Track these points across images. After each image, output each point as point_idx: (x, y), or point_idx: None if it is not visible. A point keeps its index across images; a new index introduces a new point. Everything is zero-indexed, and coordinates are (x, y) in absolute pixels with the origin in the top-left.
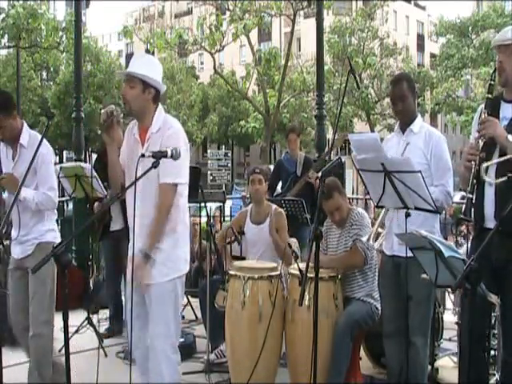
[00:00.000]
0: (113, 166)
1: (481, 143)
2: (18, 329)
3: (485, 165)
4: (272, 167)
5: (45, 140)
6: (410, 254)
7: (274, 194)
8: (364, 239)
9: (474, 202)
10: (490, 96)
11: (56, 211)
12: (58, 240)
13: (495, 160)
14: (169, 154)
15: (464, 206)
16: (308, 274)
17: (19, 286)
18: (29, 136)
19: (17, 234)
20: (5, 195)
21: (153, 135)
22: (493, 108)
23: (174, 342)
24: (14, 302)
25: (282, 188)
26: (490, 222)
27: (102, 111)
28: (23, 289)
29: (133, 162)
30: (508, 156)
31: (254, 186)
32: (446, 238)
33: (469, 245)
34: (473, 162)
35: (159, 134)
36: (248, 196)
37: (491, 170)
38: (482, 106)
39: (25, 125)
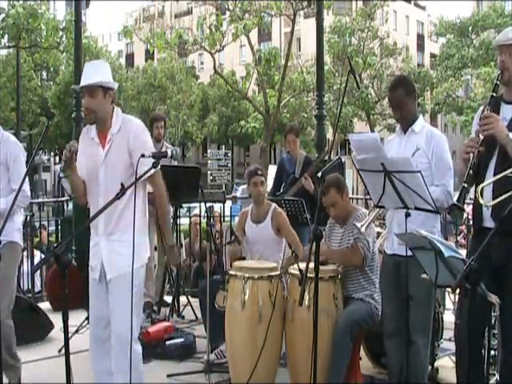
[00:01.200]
0: (76, 186)
1: (481, 137)
2: None
3: (480, 186)
4: (272, 167)
5: (14, 138)
6: (409, 252)
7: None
8: (358, 225)
9: (473, 201)
10: (494, 94)
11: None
12: (21, 242)
13: (491, 179)
14: (169, 154)
15: (458, 193)
16: (308, 274)
17: None
18: (1, 134)
19: None
20: None
21: (114, 136)
22: (493, 108)
23: (136, 333)
24: None
25: (282, 188)
26: (489, 222)
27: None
28: None
29: (94, 165)
30: (503, 174)
31: (256, 188)
32: (446, 239)
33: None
34: (471, 155)
35: (121, 133)
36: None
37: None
38: (482, 107)
39: None
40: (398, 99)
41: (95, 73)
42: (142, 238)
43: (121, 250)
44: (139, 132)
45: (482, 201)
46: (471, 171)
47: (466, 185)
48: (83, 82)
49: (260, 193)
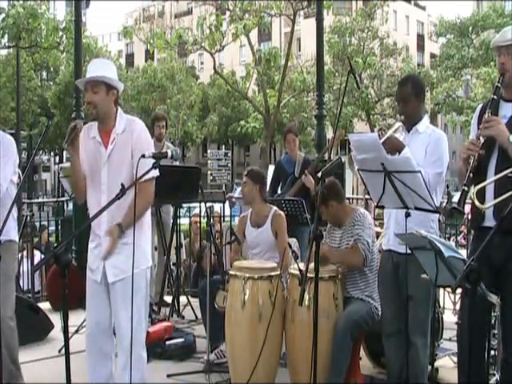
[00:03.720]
0: (77, 174)
1: (482, 140)
2: None
3: (477, 187)
4: (271, 167)
5: (9, 136)
6: (406, 250)
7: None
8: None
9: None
10: (495, 97)
11: (16, 208)
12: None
13: (488, 181)
14: (169, 155)
15: (459, 196)
16: (308, 274)
17: None
18: None
19: None
20: None
21: (118, 136)
22: (494, 109)
23: (143, 338)
24: None
25: (281, 189)
26: (489, 221)
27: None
28: None
29: (96, 164)
30: (503, 173)
31: (241, 188)
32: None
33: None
34: (471, 157)
35: (125, 134)
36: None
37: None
38: (481, 105)
39: None
40: (405, 94)
41: (99, 68)
42: (148, 239)
43: (125, 251)
44: (142, 133)
45: (478, 203)
46: (471, 174)
47: (466, 188)
48: (87, 76)
49: (242, 190)
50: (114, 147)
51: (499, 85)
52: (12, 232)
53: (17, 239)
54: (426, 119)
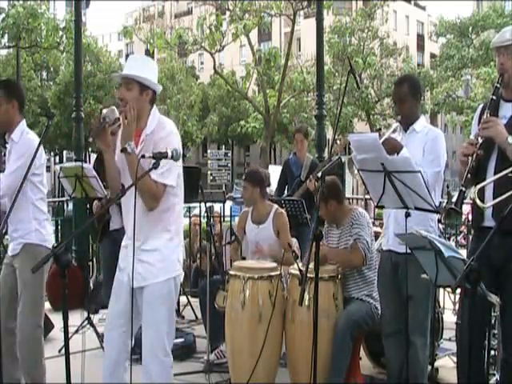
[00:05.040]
0: (110, 170)
1: (480, 140)
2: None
3: (477, 187)
4: (272, 167)
5: (30, 136)
6: (405, 250)
7: None
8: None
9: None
10: (494, 98)
11: (46, 212)
12: (46, 243)
13: (487, 180)
14: (169, 154)
15: (456, 197)
16: (308, 274)
17: (5, 282)
18: (20, 133)
19: (6, 230)
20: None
21: (147, 137)
22: (493, 110)
23: (166, 345)
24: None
25: (287, 190)
26: (489, 221)
27: (92, 121)
28: (8, 285)
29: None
30: (503, 173)
31: (243, 193)
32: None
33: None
34: (469, 158)
35: (152, 135)
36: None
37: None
38: (481, 105)
39: (23, 123)
40: (401, 95)
41: (137, 67)
42: (174, 248)
43: (149, 259)
44: (169, 135)
45: (479, 203)
46: (469, 175)
47: (463, 188)
48: (124, 71)
49: (243, 196)
50: (142, 148)
51: (498, 85)
52: (32, 234)
53: (39, 241)
54: (422, 118)
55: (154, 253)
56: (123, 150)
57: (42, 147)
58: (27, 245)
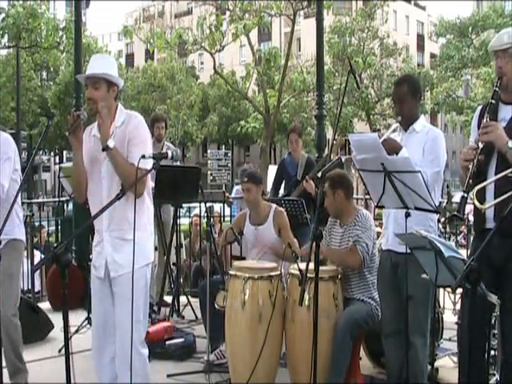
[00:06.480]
0: (78, 168)
1: (480, 145)
2: None
3: (477, 187)
4: (272, 167)
5: (5, 134)
6: (404, 249)
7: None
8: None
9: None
10: (493, 101)
11: (21, 206)
12: (23, 237)
13: (486, 182)
14: (169, 155)
15: (458, 203)
16: (308, 274)
17: None
18: None
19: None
20: None
21: (117, 129)
22: (493, 113)
23: (142, 336)
24: None
25: (283, 190)
26: (490, 223)
27: (68, 117)
28: None
29: (97, 162)
30: (502, 174)
31: (245, 196)
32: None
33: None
34: (470, 163)
35: (123, 127)
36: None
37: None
38: (480, 107)
39: None
40: (401, 95)
41: (100, 65)
42: (149, 236)
43: (124, 248)
44: (140, 125)
45: (478, 204)
46: (471, 180)
47: (465, 194)
48: (88, 72)
49: (247, 199)
50: (112, 140)
51: (497, 89)
52: (16, 230)
53: (21, 237)
54: (422, 118)
55: (129, 242)
56: (105, 149)
57: (12, 140)
58: (11, 240)
